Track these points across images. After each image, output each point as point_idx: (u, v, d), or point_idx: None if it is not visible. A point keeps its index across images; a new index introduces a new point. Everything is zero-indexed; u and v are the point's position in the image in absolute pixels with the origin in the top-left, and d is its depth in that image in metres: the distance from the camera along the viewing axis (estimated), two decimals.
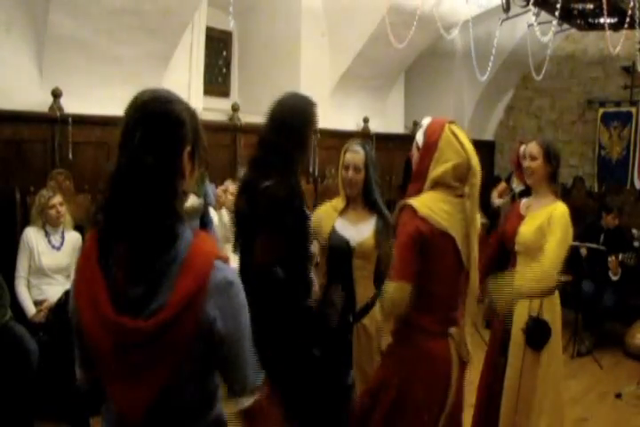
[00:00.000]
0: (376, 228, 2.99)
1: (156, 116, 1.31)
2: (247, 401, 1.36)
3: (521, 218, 3.11)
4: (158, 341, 1.25)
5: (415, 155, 2.38)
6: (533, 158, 3.08)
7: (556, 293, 3.09)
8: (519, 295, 2.90)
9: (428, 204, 2.23)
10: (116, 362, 1.27)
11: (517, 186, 5.87)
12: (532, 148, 3.11)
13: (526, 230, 3.01)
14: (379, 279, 2.86)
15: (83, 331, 1.31)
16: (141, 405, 1.27)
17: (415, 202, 2.24)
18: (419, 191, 2.30)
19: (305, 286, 2.73)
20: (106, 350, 1.27)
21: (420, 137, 2.37)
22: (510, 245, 3.10)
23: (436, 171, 2.26)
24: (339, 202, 3.10)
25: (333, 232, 2.98)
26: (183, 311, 1.24)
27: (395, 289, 2.21)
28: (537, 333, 2.92)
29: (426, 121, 2.40)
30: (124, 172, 1.29)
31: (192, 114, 1.37)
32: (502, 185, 6.11)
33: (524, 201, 3.24)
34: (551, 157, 3.07)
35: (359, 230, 2.99)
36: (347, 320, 2.95)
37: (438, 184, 2.27)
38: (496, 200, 6.18)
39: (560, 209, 3.02)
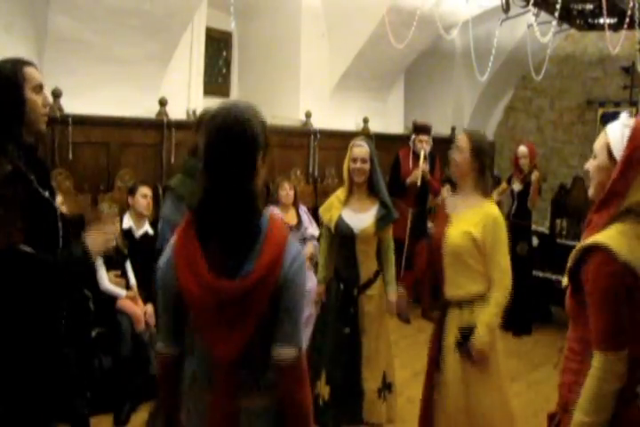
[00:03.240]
0: (376, 216, 3.51)
1: (234, 137, 1.60)
2: (291, 353, 1.64)
3: (447, 218, 2.89)
4: (248, 297, 1.61)
5: (604, 164, 1.86)
6: (460, 151, 2.84)
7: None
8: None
9: (626, 241, 1.73)
10: (215, 316, 1.62)
11: (517, 187, 5.89)
12: (461, 139, 2.87)
13: (454, 233, 2.81)
14: (380, 258, 3.60)
15: (182, 294, 1.64)
16: (236, 347, 1.62)
17: (610, 242, 1.72)
18: (608, 220, 1.80)
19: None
20: (207, 308, 1.62)
21: (618, 142, 1.81)
22: (438, 248, 2.88)
23: (637, 196, 1.77)
24: (342, 193, 3.64)
25: (340, 220, 3.52)
26: (267, 274, 1.61)
27: (611, 362, 1.70)
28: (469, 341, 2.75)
29: (630, 122, 1.82)
30: (212, 184, 1.62)
31: (263, 122, 1.66)
32: (503, 185, 6.09)
33: (449, 199, 3.04)
34: (479, 151, 2.83)
35: (361, 219, 3.52)
36: (351, 294, 3.54)
37: (630, 212, 1.78)
38: (495, 198, 6.15)
39: (494, 215, 2.80)
